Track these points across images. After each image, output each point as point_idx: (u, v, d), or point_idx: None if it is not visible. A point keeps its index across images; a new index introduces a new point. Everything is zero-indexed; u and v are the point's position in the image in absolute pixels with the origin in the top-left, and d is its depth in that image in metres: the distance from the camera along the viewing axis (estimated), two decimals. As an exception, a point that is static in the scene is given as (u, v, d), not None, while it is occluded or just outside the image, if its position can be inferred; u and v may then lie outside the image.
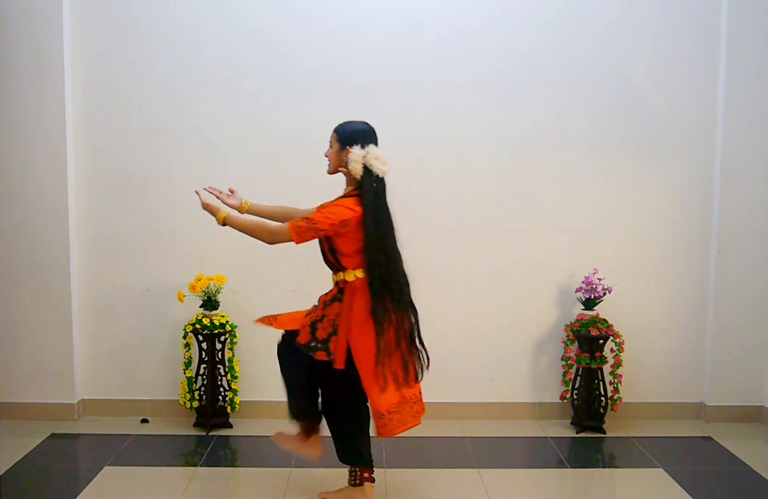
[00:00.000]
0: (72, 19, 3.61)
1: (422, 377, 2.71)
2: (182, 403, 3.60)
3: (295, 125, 3.65)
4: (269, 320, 2.80)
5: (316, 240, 2.66)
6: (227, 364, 3.62)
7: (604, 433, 3.63)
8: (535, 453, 3.50)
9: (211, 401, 3.57)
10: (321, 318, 2.67)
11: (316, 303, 2.75)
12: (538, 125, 3.74)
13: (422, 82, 3.70)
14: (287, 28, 3.66)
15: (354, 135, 2.63)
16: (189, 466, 3.23)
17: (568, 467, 3.26)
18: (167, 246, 3.73)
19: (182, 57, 3.66)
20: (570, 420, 3.75)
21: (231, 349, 3.62)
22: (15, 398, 3.71)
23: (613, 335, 3.60)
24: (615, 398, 3.64)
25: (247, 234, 2.69)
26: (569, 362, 3.70)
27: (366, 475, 2.77)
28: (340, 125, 2.70)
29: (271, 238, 2.66)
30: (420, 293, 3.70)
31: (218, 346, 3.60)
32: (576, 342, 3.67)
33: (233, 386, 3.63)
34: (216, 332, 3.52)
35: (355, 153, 2.59)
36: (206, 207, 2.78)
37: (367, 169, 2.59)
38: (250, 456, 3.40)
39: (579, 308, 3.74)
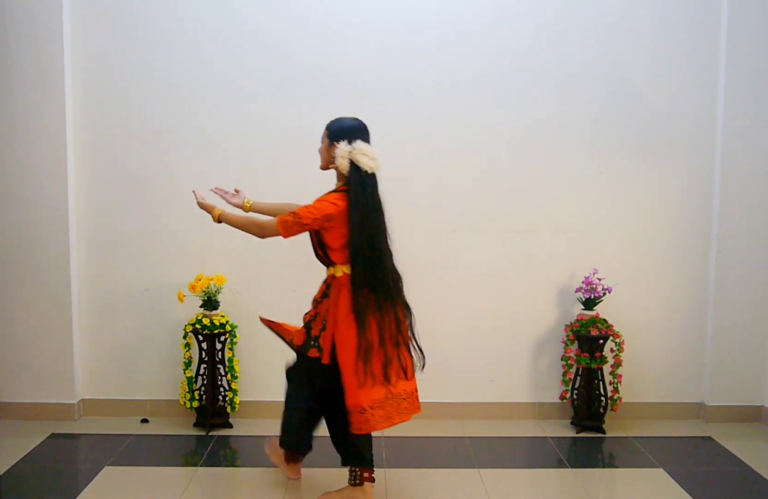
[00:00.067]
0: (72, 19, 3.61)
1: (410, 376, 2.69)
2: (182, 403, 3.60)
3: (295, 125, 3.65)
4: (276, 326, 2.83)
5: (310, 236, 2.71)
6: (227, 364, 3.63)
7: (604, 433, 3.63)
8: (535, 453, 3.50)
9: (211, 401, 3.57)
10: (314, 317, 2.73)
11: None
12: (538, 125, 3.74)
13: (422, 82, 3.70)
14: (287, 28, 3.66)
15: (342, 131, 2.67)
16: (189, 466, 3.23)
17: (568, 467, 3.26)
18: (167, 246, 3.73)
19: (182, 57, 3.66)
20: (570, 420, 3.75)
21: (231, 349, 3.62)
22: (15, 398, 3.71)
23: (613, 335, 3.60)
24: (615, 398, 3.64)
25: (240, 229, 2.79)
26: (569, 362, 3.70)
27: (366, 475, 2.77)
28: (331, 121, 2.74)
29: (260, 232, 2.73)
30: (420, 293, 3.71)
31: (218, 346, 3.60)
32: (576, 342, 3.67)
33: (233, 386, 3.63)
34: (216, 332, 3.52)
35: (341, 149, 2.62)
36: (202, 206, 2.90)
37: (353, 165, 2.61)
38: (250, 456, 3.40)
39: (579, 308, 3.74)
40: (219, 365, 3.61)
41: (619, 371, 3.64)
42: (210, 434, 3.56)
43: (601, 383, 3.65)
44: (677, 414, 3.85)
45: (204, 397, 3.59)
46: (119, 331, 3.78)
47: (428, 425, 3.70)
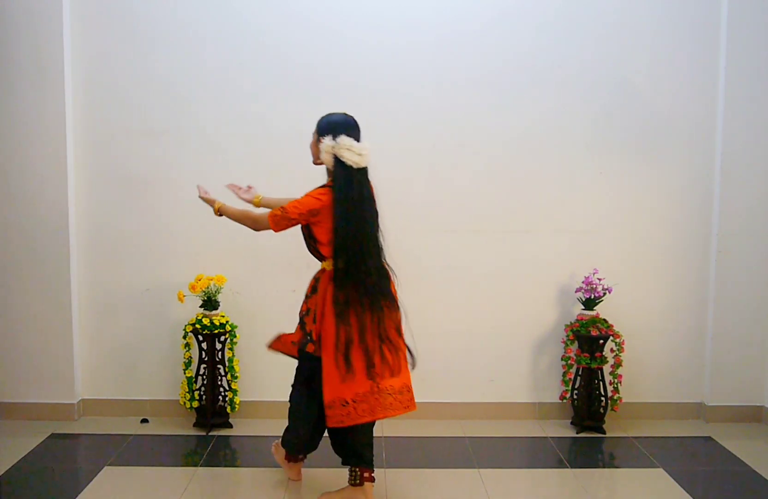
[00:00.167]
0: (72, 19, 3.61)
1: (396, 372, 2.67)
2: (182, 403, 3.60)
3: (295, 125, 3.64)
4: (284, 347, 2.87)
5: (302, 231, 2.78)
6: (227, 364, 3.62)
7: (604, 433, 3.63)
8: (535, 453, 3.50)
9: (211, 401, 3.57)
10: (306, 312, 2.76)
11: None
12: (538, 125, 3.74)
13: (422, 82, 3.70)
14: (287, 28, 3.66)
15: (328, 126, 2.70)
16: (189, 466, 3.23)
17: (568, 467, 3.26)
18: (167, 246, 3.73)
19: (182, 57, 3.66)
20: (570, 420, 3.75)
21: (231, 349, 3.62)
22: (15, 398, 3.71)
23: (613, 335, 3.60)
24: (615, 398, 3.64)
25: (237, 222, 2.88)
26: (569, 362, 3.70)
27: (366, 475, 2.77)
28: (321, 117, 2.77)
29: (254, 225, 2.82)
30: (420, 293, 3.74)
31: (218, 346, 3.60)
32: (576, 342, 3.67)
33: (233, 386, 3.63)
34: (216, 332, 3.52)
35: (325, 144, 2.66)
36: (203, 199, 2.96)
37: (338, 160, 2.64)
38: (250, 456, 3.40)
39: (579, 308, 3.74)
40: (219, 365, 3.61)
41: (619, 371, 3.64)
42: (210, 434, 3.56)
43: (601, 383, 3.65)
44: (677, 414, 3.85)
45: (204, 397, 3.59)
46: (119, 331, 3.78)
47: (428, 425, 3.71)
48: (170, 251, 3.73)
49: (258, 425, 3.65)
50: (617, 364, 3.63)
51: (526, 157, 3.75)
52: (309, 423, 2.82)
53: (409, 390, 2.75)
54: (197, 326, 3.50)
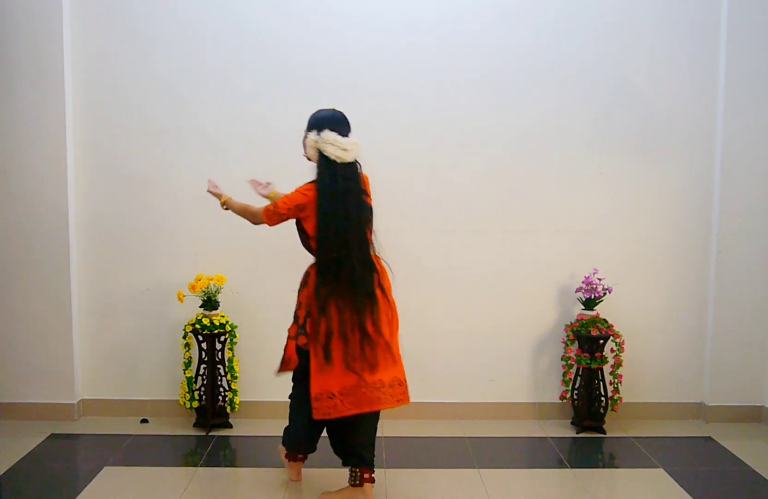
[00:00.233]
0: (72, 19, 3.61)
1: (377, 368, 2.65)
2: (182, 403, 3.60)
3: (295, 125, 3.59)
4: (292, 363, 2.85)
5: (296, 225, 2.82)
6: (227, 364, 3.62)
7: (605, 433, 3.63)
8: (535, 453, 3.50)
9: (211, 401, 3.57)
10: (299, 305, 2.78)
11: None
12: (538, 125, 3.74)
13: (422, 82, 3.70)
14: (287, 28, 3.66)
15: (314, 121, 2.74)
16: (189, 466, 3.23)
17: (568, 467, 3.26)
18: (167, 246, 3.73)
19: (182, 57, 3.66)
20: (570, 420, 3.75)
21: (231, 349, 3.62)
22: (15, 398, 3.71)
23: (613, 335, 3.60)
24: (615, 398, 3.64)
25: (239, 216, 2.98)
26: (569, 362, 3.70)
27: (366, 476, 2.77)
28: (312, 113, 2.80)
29: (253, 219, 2.91)
30: (420, 293, 3.74)
31: (218, 346, 3.60)
32: (576, 342, 3.67)
33: (233, 386, 3.63)
34: (216, 332, 3.52)
35: (310, 139, 2.70)
36: (211, 192, 3.06)
37: (322, 155, 2.67)
38: (250, 456, 3.40)
39: (579, 308, 3.74)
40: (219, 365, 3.61)
41: (619, 371, 3.64)
42: (210, 434, 3.56)
43: (601, 383, 3.65)
44: (677, 414, 3.85)
45: (204, 397, 3.59)
46: (119, 331, 3.78)
47: (428, 425, 3.71)
48: (170, 251, 3.73)
49: (258, 425, 3.65)
50: (617, 364, 3.63)
51: (526, 157, 3.75)
52: (305, 418, 2.81)
53: (402, 384, 2.73)
54: (197, 326, 3.50)
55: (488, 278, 3.79)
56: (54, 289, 3.65)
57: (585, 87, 3.72)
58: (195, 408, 3.61)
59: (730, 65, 3.66)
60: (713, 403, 3.81)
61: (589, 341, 3.58)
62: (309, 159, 2.77)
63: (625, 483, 3.18)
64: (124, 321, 3.77)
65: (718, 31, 3.69)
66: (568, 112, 3.73)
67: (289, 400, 2.92)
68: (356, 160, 2.74)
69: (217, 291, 3.57)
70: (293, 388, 2.89)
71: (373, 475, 2.79)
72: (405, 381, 2.75)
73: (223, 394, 3.64)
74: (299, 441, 2.90)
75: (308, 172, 2.92)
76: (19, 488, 2.98)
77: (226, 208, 3.00)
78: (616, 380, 3.63)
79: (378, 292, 2.69)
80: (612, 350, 3.66)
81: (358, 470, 2.78)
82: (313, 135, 2.69)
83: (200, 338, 3.56)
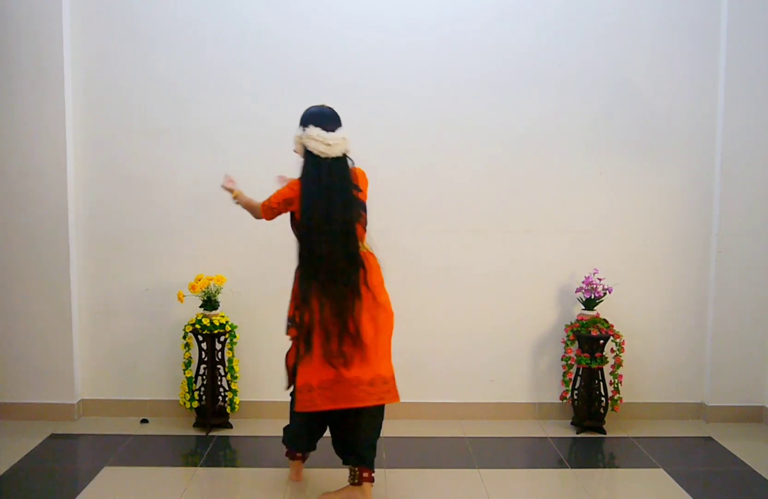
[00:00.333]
0: (72, 19, 3.61)
1: (352, 363, 2.64)
2: (182, 403, 3.60)
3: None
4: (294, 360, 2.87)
5: None
6: (227, 364, 3.62)
7: (605, 433, 3.63)
8: (535, 453, 3.50)
9: (210, 401, 3.57)
10: (291, 299, 2.81)
11: None
12: (538, 125, 3.74)
13: (422, 82, 3.70)
14: (287, 28, 3.66)
15: (302, 118, 2.79)
16: (189, 466, 3.23)
17: (568, 467, 3.26)
18: (167, 246, 3.73)
19: (182, 57, 3.66)
20: (570, 420, 3.75)
21: (231, 349, 3.62)
22: (15, 398, 3.71)
23: (613, 335, 3.60)
24: (615, 398, 3.64)
25: (245, 210, 3.02)
26: (569, 362, 3.70)
27: (365, 475, 2.77)
28: None
29: (254, 214, 2.98)
30: (420, 293, 3.74)
31: (218, 346, 3.60)
32: (576, 342, 3.67)
33: (233, 386, 3.63)
34: (216, 332, 3.52)
35: (295, 135, 2.76)
36: (225, 187, 3.08)
37: (307, 150, 2.72)
38: (250, 456, 3.40)
39: (579, 308, 3.74)
40: (219, 365, 3.61)
41: (619, 371, 3.63)
42: (210, 434, 3.56)
43: (601, 383, 3.65)
44: (677, 414, 3.85)
45: (204, 397, 3.59)
46: (119, 331, 3.78)
47: (428, 425, 3.71)
48: (170, 251, 3.73)
49: (258, 425, 3.65)
50: (617, 364, 3.63)
51: (526, 158, 3.75)
52: (303, 415, 2.82)
53: (386, 382, 2.70)
54: (197, 326, 3.50)
55: (488, 278, 3.79)
56: (54, 289, 3.65)
57: (585, 87, 3.72)
58: (195, 408, 3.61)
59: (730, 65, 3.66)
60: (713, 403, 3.81)
61: (589, 341, 3.58)
62: (298, 154, 2.82)
63: (625, 483, 3.18)
64: (124, 321, 3.77)
65: (718, 31, 3.69)
66: (568, 112, 3.73)
67: (290, 397, 2.92)
68: (345, 156, 2.74)
69: (217, 291, 3.57)
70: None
71: (372, 474, 2.79)
72: (390, 379, 2.73)
73: (223, 394, 3.64)
74: (297, 439, 2.91)
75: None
76: (19, 488, 2.98)
77: (237, 203, 3.03)
78: (616, 380, 3.63)
79: (363, 288, 2.68)
80: (612, 350, 3.66)
81: (357, 468, 2.78)
82: (299, 131, 2.75)
83: (200, 338, 3.56)
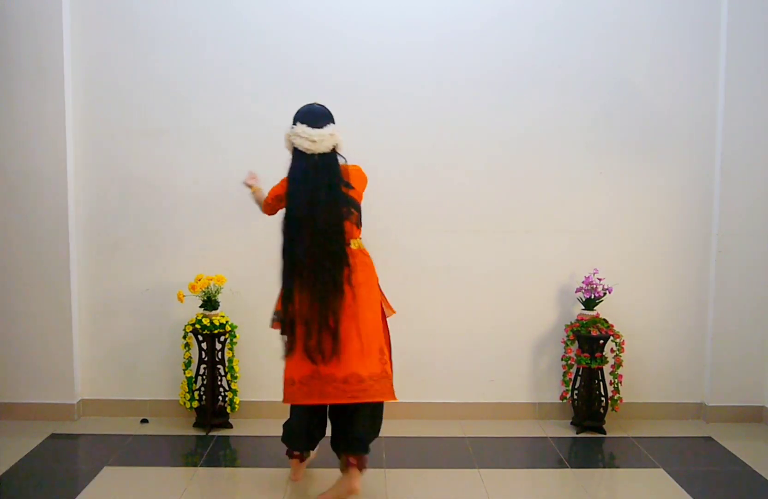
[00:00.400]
0: (72, 19, 3.61)
1: (328, 359, 2.65)
2: (182, 403, 3.60)
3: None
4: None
5: None
6: (227, 364, 3.62)
7: (605, 433, 3.63)
8: (535, 453, 3.50)
9: (211, 401, 3.57)
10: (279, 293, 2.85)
11: None
12: (538, 125, 3.74)
13: (422, 82, 3.70)
14: (287, 28, 3.66)
15: (294, 117, 2.82)
16: (189, 466, 3.23)
17: (568, 467, 3.26)
18: (167, 246, 3.73)
19: (182, 57, 3.66)
20: (570, 420, 3.75)
21: (231, 349, 3.62)
22: (15, 398, 3.71)
23: (613, 335, 3.60)
24: (615, 398, 3.64)
25: (256, 204, 3.18)
26: (569, 362, 3.70)
27: (352, 461, 2.76)
28: None
29: (260, 208, 3.10)
30: (420, 293, 3.74)
31: (218, 346, 3.60)
32: (576, 342, 3.67)
33: (233, 386, 3.63)
34: (216, 332, 3.52)
35: (285, 133, 2.80)
36: (247, 183, 3.23)
37: (294, 147, 2.77)
38: (250, 456, 3.40)
39: (579, 308, 3.74)
40: (219, 365, 3.61)
41: (619, 371, 3.63)
42: (210, 434, 3.56)
43: (601, 383, 3.65)
44: (677, 414, 3.85)
45: (204, 397, 3.59)
46: (119, 331, 3.78)
47: (428, 425, 3.71)
48: (170, 251, 3.73)
49: (258, 425, 3.65)
50: (617, 364, 3.63)
51: (526, 157, 3.75)
52: (300, 412, 2.86)
53: (362, 381, 2.68)
54: (197, 326, 3.50)
55: (488, 278, 3.79)
56: (54, 289, 3.65)
57: (585, 87, 3.72)
58: (195, 408, 3.61)
59: (730, 65, 3.66)
60: (713, 403, 3.81)
61: (589, 341, 3.58)
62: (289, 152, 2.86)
63: (625, 483, 3.18)
64: (124, 321, 3.77)
65: (718, 31, 3.69)
66: (568, 112, 3.73)
67: None
68: (334, 152, 2.75)
69: (217, 291, 3.57)
70: None
71: (361, 462, 2.76)
72: (368, 379, 2.70)
73: (223, 394, 3.64)
74: (296, 436, 2.91)
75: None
76: (19, 488, 2.98)
77: (255, 200, 3.18)
78: (616, 380, 3.63)
79: (346, 287, 2.69)
80: (612, 350, 3.66)
81: (345, 455, 2.78)
82: (288, 129, 2.79)
83: (200, 338, 3.56)
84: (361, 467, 2.77)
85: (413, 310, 3.68)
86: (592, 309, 3.66)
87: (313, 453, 3.09)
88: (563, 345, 3.73)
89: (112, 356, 3.79)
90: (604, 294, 3.63)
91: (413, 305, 3.69)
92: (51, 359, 3.69)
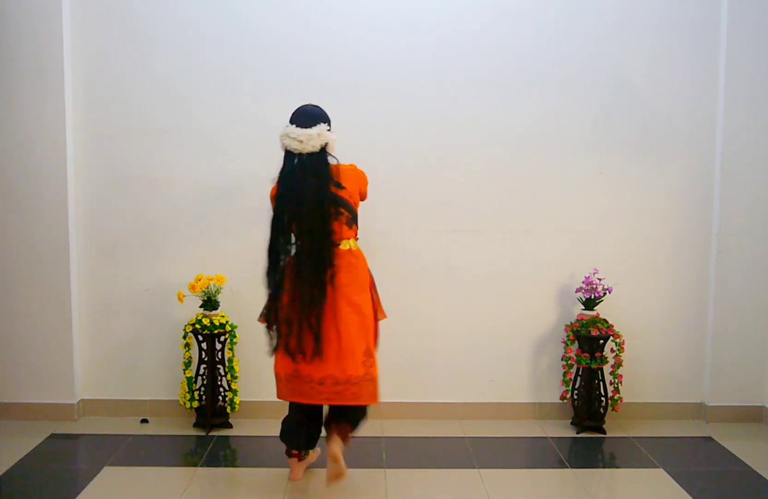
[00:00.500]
0: (72, 19, 3.61)
1: (308, 359, 2.69)
2: (182, 403, 3.60)
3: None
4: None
5: None
6: (227, 364, 3.62)
7: (605, 433, 3.63)
8: (535, 453, 3.50)
9: (211, 401, 3.57)
10: None
11: None
12: (538, 125, 3.74)
13: (422, 82, 3.70)
14: (287, 28, 3.66)
15: (289, 118, 2.84)
16: (189, 466, 3.23)
17: (568, 467, 3.26)
18: (167, 246, 3.73)
19: (182, 57, 3.66)
20: (570, 420, 3.75)
21: (231, 349, 3.62)
22: (15, 398, 3.71)
23: (613, 335, 3.60)
24: (615, 398, 3.64)
25: None
26: (569, 362, 3.70)
27: (334, 428, 2.80)
28: None
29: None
30: (420, 293, 3.74)
31: (218, 346, 3.60)
32: (576, 342, 3.67)
33: (233, 386, 3.63)
34: (216, 332, 3.52)
35: (279, 133, 2.82)
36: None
37: (285, 148, 2.80)
38: (250, 456, 3.40)
39: (579, 308, 3.74)
40: (219, 365, 3.61)
41: (619, 371, 3.63)
42: (210, 434, 3.56)
43: (601, 383, 3.65)
44: (677, 414, 3.85)
45: (204, 397, 3.59)
46: (119, 331, 3.78)
47: (428, 425, 3.71)
48: (170, 251, 3.73)
49: (258, 425, 3.65)
50: (617, 364, 3.63)
51: (526, 157, 3.75)
52: (296, 410, 2.89)
53: (337, 383, 2.70)
54: (197, 326, 3.50)
55: (488, 278, 3.79)
56: (54, 289, 3.65)
57: (585, 87, 3.72)
58: (195, 408, 3.61)
59: (730, 65, 3.66)
60: (713, 403, 3.81)
61: (589, 341, 3.58)
62: None
63: (625, 483, 3.18)
64: (124, 321, 3.77)
65: (718, 31, 3.69)
66: (568, 112, 3.73)
67: None
68: (324, 151, 2.75)
69: (217, 291, 3.57)
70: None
71: (344, 430, 2.78)
72: (345, 381, 2.70)
73: (223, 394, 3.64)
74: (294, 434, 2.93)
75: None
76: (19, 488, 2.98)
77: None
78: (616, 380, 3.63)
79: (329, 287, 2.70)
80: (612, 350, 3.66)
81: (328, 428, 2.83)
82: (281, 130, 2.82)
83: (200, 338, 3.56)
84: (343, 436, 2.77)
85: (413, 310, 3.68)
86: (592, 309, 3.66)
87: (313, 453, 3.09)
88: (563, 345, 3.73)
89: (112, 356, 3.79)
90: (604, 294, 3.63)
91: (413, 305, 3.70)
92: (51, 359, 3.69)
